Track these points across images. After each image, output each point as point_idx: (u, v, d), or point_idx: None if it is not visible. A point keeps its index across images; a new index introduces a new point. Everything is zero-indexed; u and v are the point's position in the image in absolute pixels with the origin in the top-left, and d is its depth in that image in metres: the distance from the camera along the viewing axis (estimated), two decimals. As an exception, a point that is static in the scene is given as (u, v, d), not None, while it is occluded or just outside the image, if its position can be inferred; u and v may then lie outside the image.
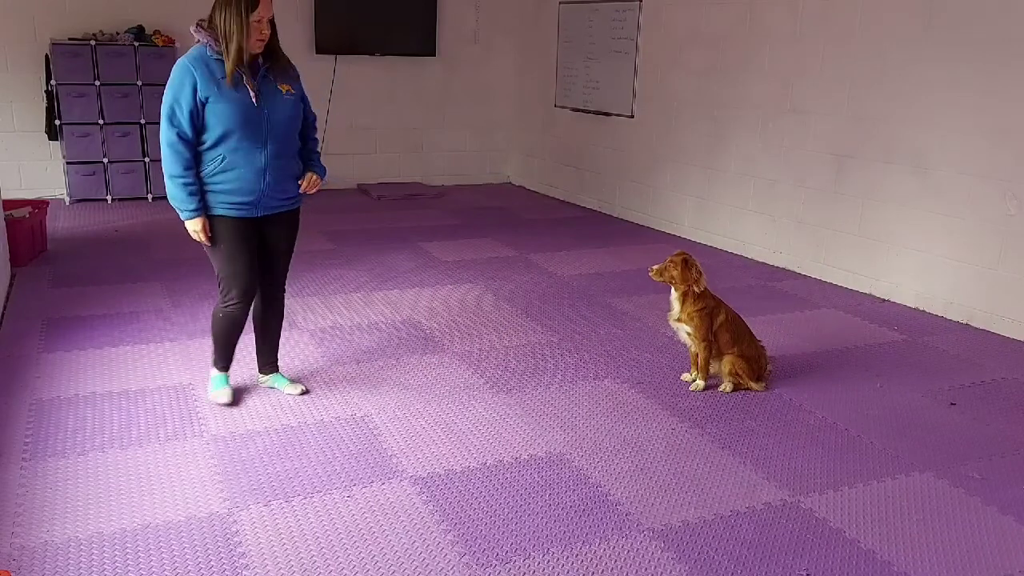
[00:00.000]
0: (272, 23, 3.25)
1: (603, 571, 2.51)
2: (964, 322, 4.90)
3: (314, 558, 2.52)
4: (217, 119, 3.14)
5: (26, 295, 4.91)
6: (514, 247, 6.42)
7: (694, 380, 3.85)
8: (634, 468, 3.12)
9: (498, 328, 4.58)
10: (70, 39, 7.22)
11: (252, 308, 3.52)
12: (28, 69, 7.28)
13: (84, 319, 4.51)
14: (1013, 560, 2.63)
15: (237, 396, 3.59)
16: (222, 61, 3.14)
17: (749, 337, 3.83)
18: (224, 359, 3.57)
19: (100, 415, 3.41)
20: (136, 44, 7.29)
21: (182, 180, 3.17)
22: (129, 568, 2.45)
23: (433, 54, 8.60)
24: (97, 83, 7.19)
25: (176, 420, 3.39)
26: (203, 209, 3.25)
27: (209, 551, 2.54)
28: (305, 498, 2.84)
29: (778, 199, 6.04)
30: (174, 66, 3.16)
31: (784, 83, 5.87)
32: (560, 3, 8.12)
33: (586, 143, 8.08)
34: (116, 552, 2.52)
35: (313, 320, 4.60)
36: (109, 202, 7.49)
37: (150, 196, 7.62)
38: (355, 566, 2.49)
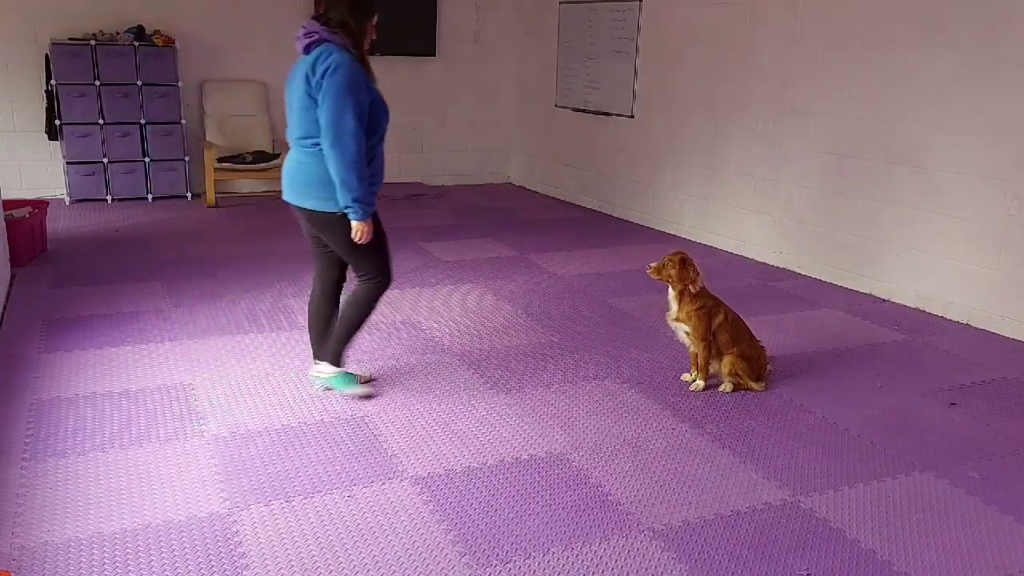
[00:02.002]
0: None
1: (603, 571, 2.51)
2: (964, 322, 4.90)
3: (314, 558, 2.52)
4: (377, 117, 3.26)
5: (26, 295, 4.91)
6: (514, 247, 6.42)
7: (694, 380, 3.85)
8: (634, 468, 3.12)
9: (498, 328, 4.58)
10: (70, 39, 7.22)
11: (315, 300, 3.60)
12: (28, 69, 7.28)
13: (84, 319, 4.51)
14: (1013, 560, 2.63)
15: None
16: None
17: (749, 337, 3.84)
18: (346, 349, 3.61)
19: (100, 415, 3.41)
20: (136, 44, 7.29)
21: (366, 179, 3.25)
22: (129, 568, 2.45)
23: (433, 54, 8.60)
24: (97, 83, 7.19)
25: (176, 420, 3.39)
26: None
27: (209, 551, 2.54)
28: (305, 498, 2.84)
29: (778, 199, 6.04)
30: (341, 63, 3.14)
31: (784, 83, 5.87)
32: (560, 3, 8.12)
33: (586, 143, 8.08)
34: (116, 552, 2.52)
35: (313, 320, 4.60)
36: (109, 202, 7.49)
37: (150, 196, 7.62)
38: (355, 566, 2.49)
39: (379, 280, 3.48)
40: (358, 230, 3.29)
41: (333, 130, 3.14)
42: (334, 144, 3.16)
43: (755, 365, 3.82)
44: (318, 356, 3.65)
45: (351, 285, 3.56)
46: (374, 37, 3.36)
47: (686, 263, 3.71)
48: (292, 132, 3.36)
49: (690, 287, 3.71)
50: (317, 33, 3.20)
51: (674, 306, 3.80)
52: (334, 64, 3.12)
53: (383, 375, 3.91)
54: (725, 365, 3.79)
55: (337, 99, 3.11)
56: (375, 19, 3.28)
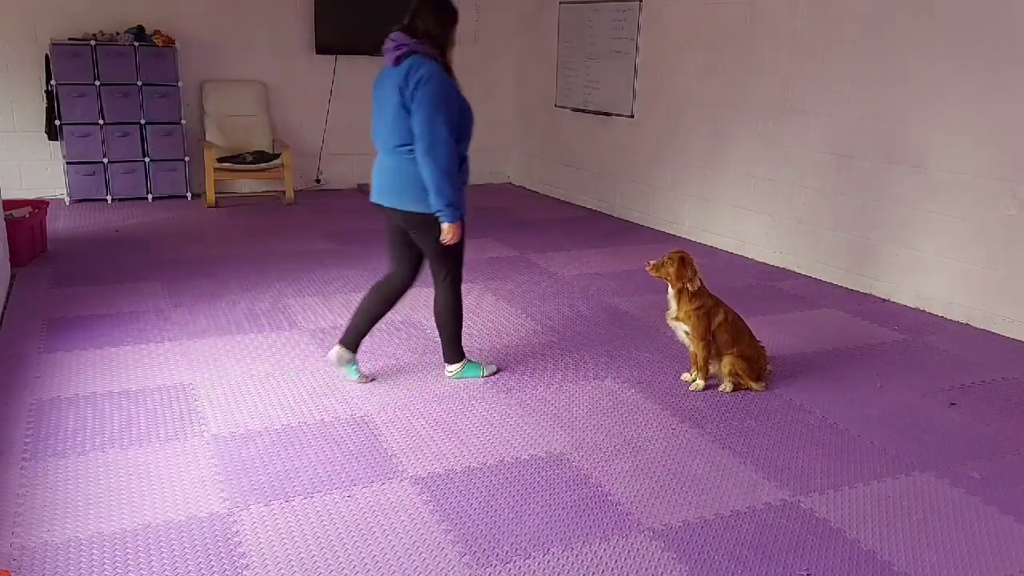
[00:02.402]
0: None
1: (603, 571, 2.51)
2: (964, 322, 4.90)
3: (314, 558, 2.52)
4: (465, 122, 3.43)
5: (26, 295, 4.91)
6: (514, 247, 6.42)
7: (694, 380, 3.85)
8: (634, 468, 3.12)
9: (498, 328, 4.58)
10: (70, 39, 7.22)
11: (377, 288, 3.75)
12: (28, 69, 7.28)
13: (84, 319, 4.51)
14: (1013, 560, 2.63)
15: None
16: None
17: (749, 337, 3.83)
18: (460, 342, 3.82)
19: (100, 415, 3.41)
20: (136, 44, 7.29)
21: (455, 182, 3.39)
22: (129, 568, 2.45)
23: (433, 54, 8.59)
24: (97, 83, 7.19)
25: (176, 420, 3.39)
26: None
27: (209, 551, 2.54)
28: (305, 498, 2.84)
29: (778, 199, 6.04)
30: (432, 74, 3.31)
31: (784, 83, 5.87)
32: (560, 3, 8.11)
33: (586, 143, 8.08)
34: (116, 552, 2.52)
35: (313, 320, 4.60)
36: (109, 202, 7.49)
37: (150, 196, 7.62)
38: (355, 566, 2.49)
39: (455, 275, 3.68)
40: (449, 232, 3.45)
41: (427, 139, 3.31)
42: (428, 152, 3.32)
43: (755, 365, 3.82)
44: (345, 342, 3.76)
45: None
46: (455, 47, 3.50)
47: (684, 261, 3.72)
48: (385, 139, 3.49)
49: (688, 285, 3.72)
50: (407, 45, 3.37)
51: (673, 305, 3.80)
52: (426, 75, 3.30)
53: (383, 375, 3.91)
54: (725, 365, 3.79)
55: (430, 109, 3.29)
56: (457, 27, 3.45)
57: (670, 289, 3.80)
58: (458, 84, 3.44)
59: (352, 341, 3.74)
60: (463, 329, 3.86)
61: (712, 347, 3.79)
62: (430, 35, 3.38)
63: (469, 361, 3.91)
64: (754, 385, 3.82)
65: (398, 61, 3.38)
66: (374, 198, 3.61)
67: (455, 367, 3.86)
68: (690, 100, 6.73)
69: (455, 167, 3.38)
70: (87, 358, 3.99)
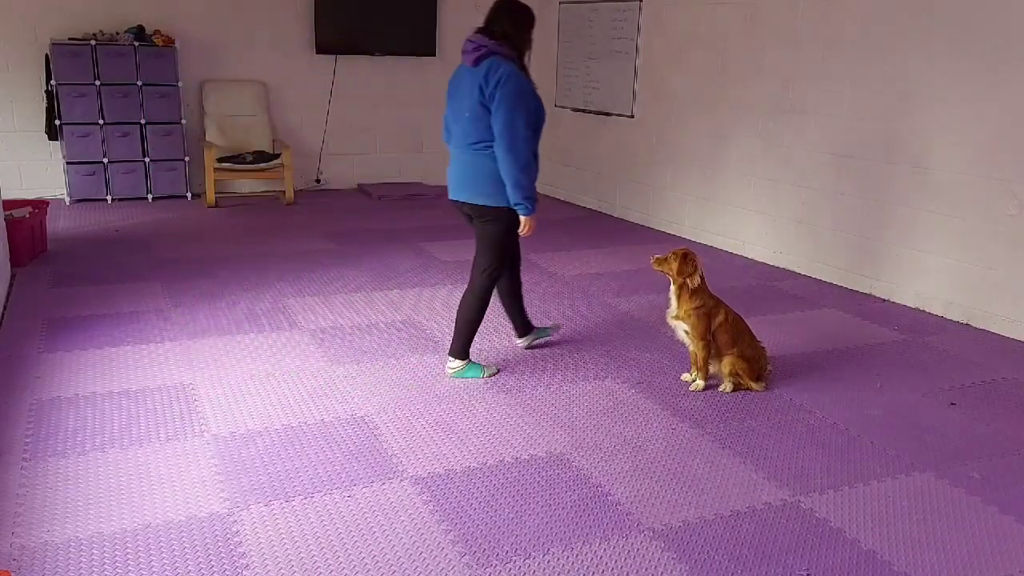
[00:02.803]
0: None
1: (603, 571, 2.51)
2: (964, 322, 4.90)
3: (314, 558, 2.52)
4: (539, 120, 3.61)
5: (26, 295, 4.91)
6: (514, 247, 6.42)
7: (694, 380, 3.85)
8: (634, 468, 3.12)
9: (498, 328, 4.58)
10: (70, 39, 7.22)
11: (500, 287, 4.01)
12: (28, 69, 7.28)
13: (84, 319, 4.51)
14: (1013, 560, 2.64)
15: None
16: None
17: (749, 337, 3.84)
18: (471, 341, 3.93)
19: (100, 415, 3.41)
20: (136, 44, 7.28)
21: (533, 177, 3.63)
22: (129, 568, 2.45)
23: (433, 54, 8.59)
24: (97, 83, 7.19)
25: (176, 420, 3.39)
26: None
27: (209, 551, 2.54)
28: (305, 498, 2.84)
29: (778, 199, 6.04)
30: (511, 74, 3.49)
31: (784, 83, 5.87)
32: (560, 3, 8.12)
33: (586, 143, 8.08)
34: (116, 552, 2.52)
35: (314, 320, 4.60)
36: (109, 202, 7.49)
37: (150, 196, 7.62)
38: (355, 566, 2.49)
39: (495, 271, 3.82)
40: (526, 224, 3.70)
41: (507, 137, 3.47)
42: (509, 149, 3.49)
43: (755, 365, 3.82)
44: (521, 331, 4.21)
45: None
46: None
47: (687, 257, 3.72)
48: (462, 137, 3.66)
49: (688, 281, 3.72)
50: (486, 46, 3.53)
51: (674, 303, 3.81)
52: (505, 76, 3.46)
53: (383, 375, 3.91)
54: (725, 365, 3.79)
55: (510, 109, 3.45)
56: (533, 31, 3.60)
57: (671, 286, 3.80)
58: (534, 84, 3.60)
59: (523, 324, 4.20)
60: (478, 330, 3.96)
61: (712, 347, 3.79)
62: (507, 37, 3.55)
63: (472, 362, 3.93)
64: (754, 385, 3.82)
65: (477, 62, 3.53)
66: (451, 195, 3.79)
67: (458, 364, 3.89)
68: (690, 100, 6.73)
69: (533, 163, 3.59)
70: (87, 358, 3.99)
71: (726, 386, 3.83)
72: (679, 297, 3.78)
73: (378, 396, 3.68)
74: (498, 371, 3.98)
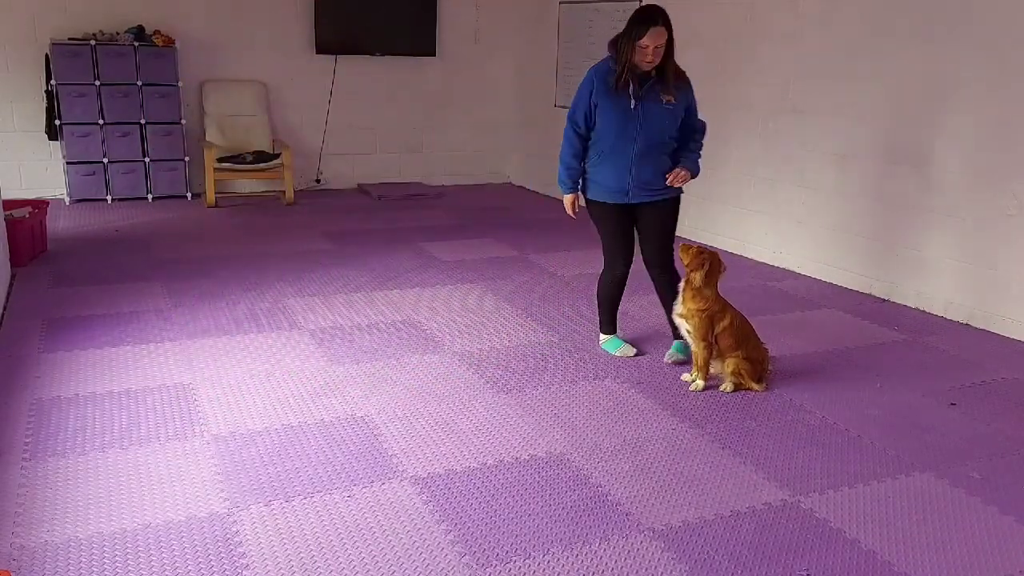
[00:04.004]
0: (665, 48, 3.81)
1: (603, 571, 2.51)
2: (964, 322, 4.90)
3: (314, 558, 2.52)
4: (601, 120, 3.86)
5: (26, 295, 4.91)
6: (514, 247, 6.42)
7: (694, 380, 3.85)
8: (634, 468, 3.12)
9: (498, 328, 4.58)
10: (70, 39, 7.22)
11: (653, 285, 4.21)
12: (28, 69, 7.28)
13: (84, 319, 4.51)
14: (1013, 560, 2.64)
15: (639, 348, 4.28)
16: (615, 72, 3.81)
17: (755, 340, 3.84)
18: (609, 322, 4.30)
19: (100, 415, 3.41)
20: (136, 44, 7.28)
21: (566, 165, 4.00)
22: (129, 568, 2.45)
23: (433, 54, 8.60)
24: (97, 83, 7.19)
25: (177, 420, 3.39)
26: (576, 189, 4.07)
27: (209, 551, 2.54)
28: (305, 498, 2.84)
29: (778, 199, 6.04)
30: (585, 76, 3.90)
31: (784, 83, 5.87)
32: (560, 3, 8.11)
33: (586, 143, 8.07)
34: (116, 552, 2.52)
35: (314, 320, 4.60)
36: (109, 202, 7.49)
37: (150, 196, 7.62)
38: (355, 566, 2.49)
39: (604, 258, 4.17)
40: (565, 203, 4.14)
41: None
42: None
43: (759, 367, 3.83)
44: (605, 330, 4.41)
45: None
46: (646, 58, 3.76)
47: (701, 255, 3.74)
48: None
49: (691, 276, 3.74)
50: (608, 50, 3.89)
51: (679, 298, 3.82)
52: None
53: (383, 375, 3.91)
54: (728, 365, 3.79)
55: (570, 107, 3.96)
56: (642, 42, 3.69)
57: (681, 283, 3.82)
58: (632, 88, 3.78)
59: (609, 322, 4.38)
60: (618, 311, 4.30)
61: (714, 349, 3.80)
62: (615, 45, 3.82)
63: (613, 337, 4.29)
64: (754, 385, 3.82)
65: None
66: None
67: (603, 337, 4.33)
68: (690, 100, 6.72)
69: (567, 155, 3.97)
70: (87, 358, 3.99)
71: (727, 386, 3.83)
72: (684, 295, 3.79)
73: (378, 396, 3.68)
74: (637, 353, 4.22)
